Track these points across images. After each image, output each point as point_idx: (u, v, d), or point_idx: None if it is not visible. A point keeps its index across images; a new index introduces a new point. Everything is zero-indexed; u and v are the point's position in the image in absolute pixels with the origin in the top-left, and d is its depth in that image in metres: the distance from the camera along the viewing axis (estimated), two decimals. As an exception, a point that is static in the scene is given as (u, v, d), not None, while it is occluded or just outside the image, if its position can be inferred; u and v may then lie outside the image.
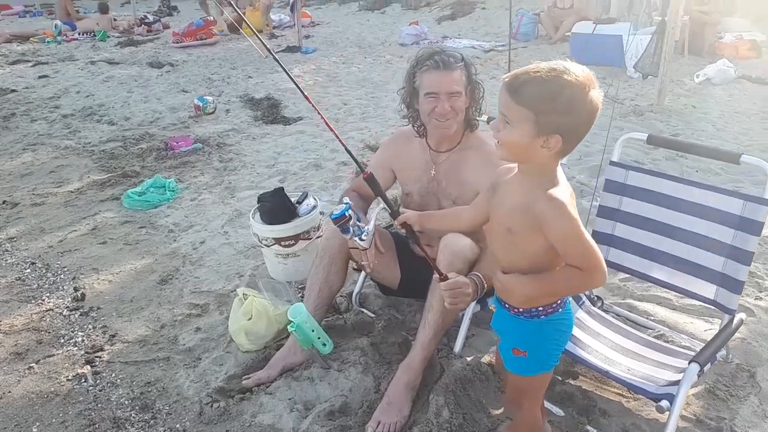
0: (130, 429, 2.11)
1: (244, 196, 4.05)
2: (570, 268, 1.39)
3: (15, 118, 6.22)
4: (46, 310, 2.86)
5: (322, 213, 2.96)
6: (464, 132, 2.28)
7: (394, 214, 1.76)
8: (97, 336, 2.66)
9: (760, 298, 2.62)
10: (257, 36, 2.27)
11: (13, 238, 3.64)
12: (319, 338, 2.22)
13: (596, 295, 2.41)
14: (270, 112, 6.04)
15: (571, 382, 2.19)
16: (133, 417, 2.18)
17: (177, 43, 9.90)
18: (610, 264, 2.33)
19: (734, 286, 2.00)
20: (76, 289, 3.02)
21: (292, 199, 2.93)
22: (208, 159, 4.81)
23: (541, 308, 1.51)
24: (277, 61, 2.16)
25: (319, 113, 2.05)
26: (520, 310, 1.52)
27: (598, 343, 2.14)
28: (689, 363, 1.82)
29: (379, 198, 1.95)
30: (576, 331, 2.10)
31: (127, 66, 8.41)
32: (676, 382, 1.86)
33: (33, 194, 4.28)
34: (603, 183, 2.34)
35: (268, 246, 2.86)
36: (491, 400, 2.12)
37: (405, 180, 2.40)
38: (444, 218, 1.82)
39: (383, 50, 9.07)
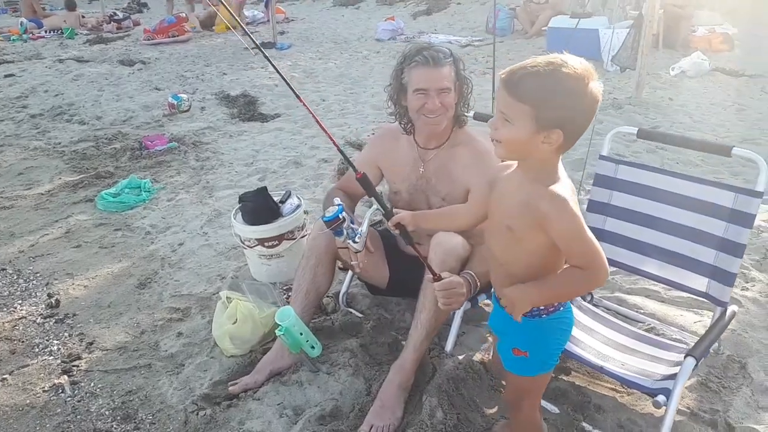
0: (112, 441, 2.03)
1: (223, 196, 3.96)
2: (572, 269, 1.36)
3: (-20, 119, 6.01)
4: (19, 318, 2.75)
5: (306, 212, 2.90)
6: (453, 128, 2.23)
7: (388, 215, 1.71)
8: (74, 344, 2.56)
9: (747, 288, 2.63)
10: (245, 31, 2.18)
11: (-18, 243, 3.50)
12: (307, 341, 2.16)
13: (586, 290, 2.39)
14: (246, 109, 5.93)
15: (564, 378, 2.16)
16: (115, 428, 2.10)
17: (148, 40, 9.68)
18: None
19: (726, 278, 1.99)
20: (50, 296, 2.91)
21: (275, 199, 2.85)
22: (184, 158, 4.69)
23: (542, 307, 1.47)
24: (266, 57, 2.08)
25: (312, 114, 1.98)
26: (521, 309, 1.48)
27: (591, 338, 2.11)
28: (685, 357, 1.81)
29: (372, 198, 1.89)
30: (569, 328, 2.07)
31: (97, 64, 8.19)
32: (671, 376, 1.85)
33: (1, 197, 4.13)
34: (587, 176, 2.31)
35: (251, 247, 2.78)
36: (485, 399, 2.09)
37: (393, 178, 2.35)
38: (440, 218, 1.77)
39: (359, 46, 8.99)
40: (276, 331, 2.07)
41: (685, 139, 2.34)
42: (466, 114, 2.23)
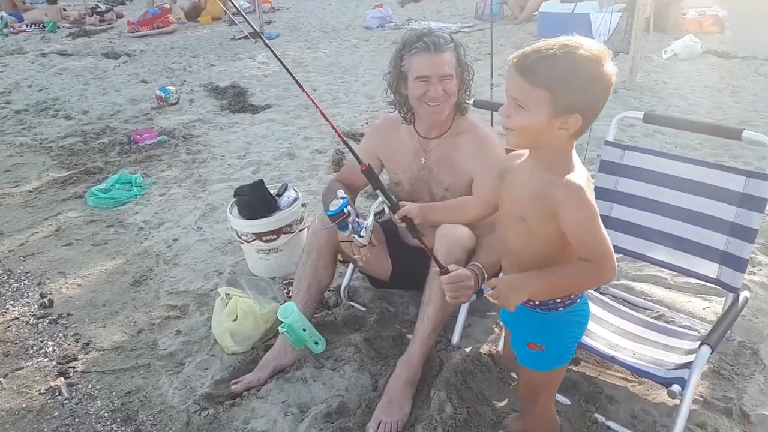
0: (113, 444, 1.98)
1: (216, 189, 3.88)
2: (579, 262, 1.30)
3: (-38, 116, 5.86)
4: (11, 320, 2.67)
5: (303, 205, 2.83)
6: (455, 116, 2.17)
7: (394, 207, 1.65)
8: (69, 345, 2.49)
9: (754, 272, 2.60)
10: (247, 20, 2.10)
11: (-30, 243, 3.41)
12: (311, 337, 2.11)
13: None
14: (236, 100, 5.83)
15: (574, 368, 2.13)
16: (115, 430, 2.05)
17: (133, 32, 9.50)
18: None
19: (738, 264, 1.96)
20: (42, 296, 2.83)
21: (272, 192, 2.79)
22: (175, 152, 4.60)
23: (558, 300, 1.42)
24: (268, 46, 2.01)
25: (317, 106, 1.91)
26: (537, 302, 1.44)
27: (601, 328, 2.07)
28: (700, 345, 1.77)
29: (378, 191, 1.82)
30: (578, 317, 2.03)
31: (81, 57, 8.02)
32: (686, 365, 1.81)
33: (-12, 195, 4.03)
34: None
35: (249, 242, 2.72)
36: (494, 392, 2.05)
37: (394, 169, 2.29)
38: (449, 210, 1.70)
39: (348, 34, 8.88)
40: (279, 328, 2.02)
41: (694, 123, 2.30)
42: (467, 101, 2.17)
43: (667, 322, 2.24)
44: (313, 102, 1.90)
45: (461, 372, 2.08)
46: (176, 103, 5.81)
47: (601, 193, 2.24)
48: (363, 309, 2.50)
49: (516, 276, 1.37)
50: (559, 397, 1.98)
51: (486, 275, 1.96)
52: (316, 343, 2.14)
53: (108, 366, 2.35)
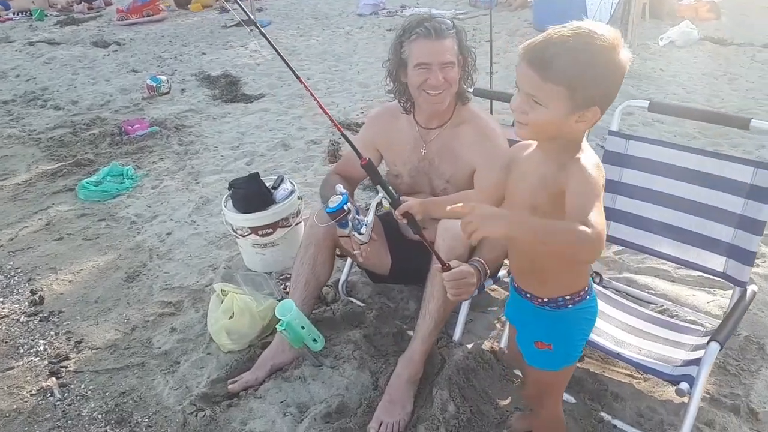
0: (107, 447, 1.93)
1: (210, 181, 3.81)
2: (573, 222, 1.15)
3: (-51, 106, 5.74)
4: (1, 318, 2.61)
5: (300, 198, 2.77)
6: (456, 106, 2.11)
7: (395, 203, 1.59)
8: (61, 343, 2.43)
9: (758, 265, 2.57)
10: (241, 7, 2.03)
11: (-43, 238, 3.33)
12: (309, 335, 2.06)
13: (595, 271, 2.31)
14: (229, 89, 5.73)
15: (579, 365, 2.09)
16: (109, 432, 1.99)
17: (122, 20, 9.34)
18: (611, 239, 2.23)
19: (745, 257, 1.92)
20: (32, 292, 2.77)
21: (267, 184, 2.72)
22: (167, 143, 4.51)
23: (568, 296, 1.37)
24: (264, 35, 1.93)
25: (315, 99, 1.84)
26: (545, 300, 1.39)
27: (605, 323, 2.03)
28: (709, 342, 1.73)
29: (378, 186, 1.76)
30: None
31: (69, 46, 7.88)
32: (693, 362, 1.78)
33: (-24, 189, 3.94)
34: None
35: (244, 236, 2.66)
36: (497, 390, 2.01)
37: (393, 160, 2.23)
38: (451, 204, 1.64)
39: (341, 21, 8.76)
40: (277, 326, 1.97)
41: (702, 112, 2.24)
42: (469, 90, 2.10)
43: (672, 317, 2.20)
44: (312, 95, 1.83)
45: (463, 369, 2.04)
46: (167, 93, 5.71)
47: (605, 185, 2.16)
48: (362, 305, 2.45)
49: (500, 209, 1.25)
50: (564, 395, 1.93)
51: (488, 271, 1.91)
52: (315, 340, 2.09)
53: (101, 365, 2.29)
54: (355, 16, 9.00)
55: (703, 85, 5.14)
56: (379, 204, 2.49)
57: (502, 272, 2.22)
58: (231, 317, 2.24)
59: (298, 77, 1.83)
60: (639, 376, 2.03)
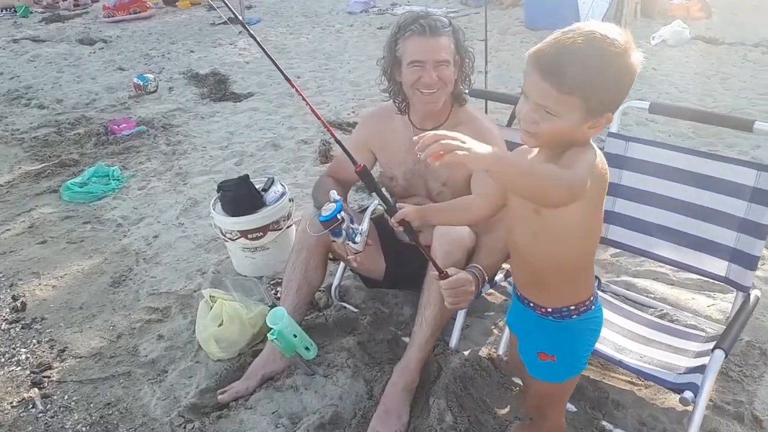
0: (92, 462, 1.85)
1: (198, 182, 3.73)
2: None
3: (-71, 105, 5.61)
4: (-19, 325, 2.52)
5: (291, 200, 2.70)
6: (452, 107, 2.05)
7: (390, 210, 1.53)
8: (44, 352, 2.35)
9: (758, 268, 2.52)
10: (227, 6, 1.96)
11: (-63, 242, 3.23)
12: (302, 343, 1.99)
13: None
14: (217, 88, 5.64)
15: (578, 372, 2.04)
16: (94, 446, 1.92)
17: (109, 17, 9.20)
18: (610, 242, 2.19)
19: (748, 261, 1.88)
20: (14, 298, 2.68)
21: (257, 186, 2.65)
22: (154, 142, 4.42)
23: (572, 307, 1.32)
24: (251, 35, 1.86)
25: (308, 104, 1.77)
26: (549, 310, 1.34)
27: (606, 329, 1.97)
28: (713, 350, 1.68)
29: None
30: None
31: (54, 44, 7.75)
32: (696, 369, 1.73)
33: (-44, 190, 3.83)
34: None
35: (233, 240, 2.58)
36: (495, 399, 1.96)
37: (387, 163, 2.17)
38: (450, 211, 1.58)
39: (331, 19, 8.67)
40: (268, 335, 1.90)
41: (703, 113, 2.20)
42: (466, 92, 2.05)
43: (672, 322, 2.16)
44: (303, 98, 1.76)
45: (461, 377, 1.98)
46: (155, 92, 5.62)
47: (604, 188, 2.14)
48: (355, 310, 2.39)
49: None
50: (564, 404, 1.89)
51: (487, 277, 1.86)
52: (308, 348, 2.02)
53: (85, 375, 2.21)
54: (345, 14, 8.93)
55: (696, 85, 5.12)
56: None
57: (499, 276, 2.17)
58: (220, 325, 2.17)
59: (287, 79, 1.76)
60: (640, 382, 1.99)
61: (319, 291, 2.40)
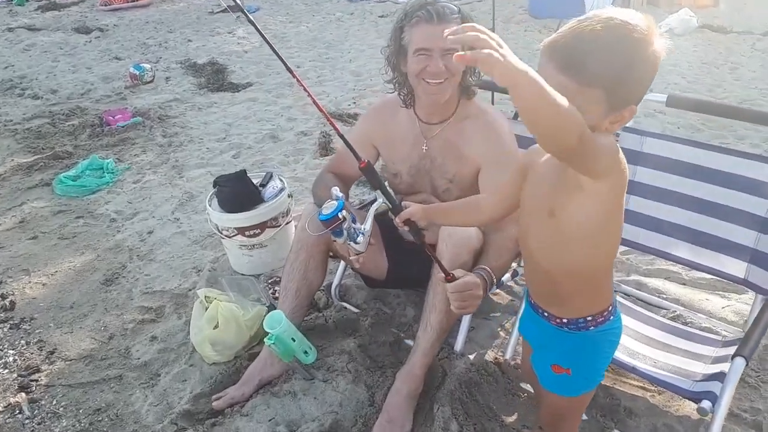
0: (80, 472, 1.77)
1: (195, 176, 3.63)
2: None
3: None
4: (-32, 325, 2.44)
5: (290, 196, 2.60)
6: (459, 100, 1.94)
7: (396, 210, 1.43)
8: (32, 353, 2.26)
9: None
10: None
11: (-75, 237, 3.14)
12: (300, 347, 1.90)
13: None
14: (215, 78, 5.53)
15: (589, 377, 1.95)
16: (83, 455, 1.83)
17: (105, 5, 9.07)
18: (623, 241, 2.08)
19: (769, 263, 1.79)
20: (3, 296, 2.59)
21: (255, 181, 2.55)
22: (150, 134, 4.32)
23: (590, 317, 1.23)
24: (254, 25, 1.75)
25: (311, 96, 1.66)
26: (565, 321, 1.24)
27: (618, 333, 1.89)
28: (733, 357, 1.59)
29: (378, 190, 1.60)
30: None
31: (50, 32, 7.62)
32: (713, 377, 1.65)
33: (-54, 183, 3.73)
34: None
35: (230, 237, 2.49)
36: (502, 405, 1.87)
37: (392, 158, 2.07)
38: (458, 210, 1.48)
39: (332, 7, 8.53)
40: (265, 340, 1.81)
41: (728, 108, 2.11)
42: (474, 85, 1.94)
43: (686, 324, 2.07)
44: (307, 91, 1.65)
45: (466, 383, 1.89)
46: (151, 82, 5.51)
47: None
48: (356, 311, 2.29)
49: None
50: (575, 411, 1.80)
51: (495, 280, 1.76)
52: (306, 353, 1.93)
53: (75, 378, 2.13)
54: (346, 2, 8.79)
55: (704, 75, 5.01)
56: (374, 200, 2.35)
57: (506, 275, 2.08)
58: (215, 327, 2.08)
59: (289, 69, 1.66)
60: (653, 388, 1.90)
61: (319, 290, 2.31)
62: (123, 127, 4.39)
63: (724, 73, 5.02)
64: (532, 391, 1.84)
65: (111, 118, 4.46)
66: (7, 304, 2.53)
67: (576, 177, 1.06)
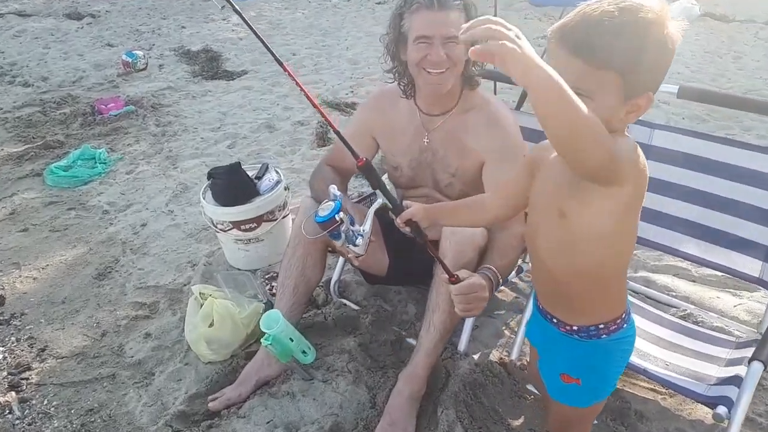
0: (71, 477, 1.71)
1: (189, 166, 3.55)
2: None
3: None
4: (-44, 321, 2.36)
5: (286, 188, 2.52)
6: (462, 90, 1.87)
7: (396, 210, 1.36)
8: (23, 351, 2.19)
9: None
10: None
11: None
12: (298, 347, 1.84)
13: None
14: (209, 66, 5.43)
15: (596, 378, 1.89)
16: (74, 458, 1.77)
17: (97, -10, 8.91)
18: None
19: (785, 262, 1.73)
20: (-8, 291, 2.52)
21: (250, 174, 2.48)
22: (143, 123, 4.22)
23: (602, 325, 1.16)
24: (238, 12, 1.67)
25: (305, 92, 1.58)
26: (575, 328, 1.18)
27: (627, 332, 1.84)
28: (750, 362, 1.54)
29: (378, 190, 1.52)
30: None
31: (41, 18, 7.47)
32: (728, 380, 1.60)
33: (-66, 173, 3.64)
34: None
35: (225, 231, 2.42)
36: (508, 408, 1.81)
37: (392, 151, 1.99)
38: (462, 210, 1.40)
39: (328, -6, 8.41)
40: (262, 340, 1.74)
41: (744, 100, 2.02)
42: (477, 75, 1.86)
43: (697, 323, 2.01)
44: (300, 87, 1.57)
45: (470, 384, 1.83)
46: (144, 69, 5.40)
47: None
48: (356, 308, 2.23)
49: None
50: (583, 414, 1.75)
51: (501, 279, 1.70)
52: (305, 352, 1.87)
53: (67, 377, 2.06)
54: (343, -11, 8.65)
55: (708, 64, 4.94)
56: (373, 194, 2.27)
57: (511, 274, 2.01)
58: (211, 325, 2.01)
59: (280, 62, 1.56)
60: (664, 391, 1.85)
61: (318, 287, 2.24)
62: (115, 116, 4.29)
63: (728, 63, 4.95)
64: (539, 394, 1.78)
65: (103, 106, 4.36)
66: (-3, 299, 2.46)
67: (591, 186, 0.99)
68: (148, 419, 1.86)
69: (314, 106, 1.47)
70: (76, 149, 3.72)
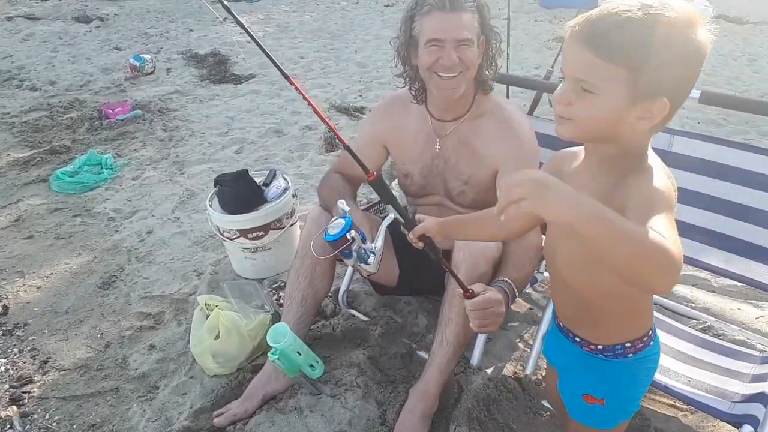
0: (73, 496, 1.66)
1: (196, 172, 3.50)
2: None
3: None
4: (-41, 331, 2.33)
5: (294, 195, 2.47)
6: (475, 95, 1.81)
7: (409, 225, 1.31)
8: (25, 363, 2.15)
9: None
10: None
11: None
12: (306, 361, 1.78)
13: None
14: (217, 69, 5.40)
15: (614, 394, 1.83)
16: (76, 475, 1.73)
17: (106, -6, 8.92)
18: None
19: (813, 274, 1.66)
20: (-4, 301, 2.48)
21: (258, 180, 2.43)
22: (150, 128, 4.19)
23: (628, 344, 1.10)
24: (239, 22, 1.61)
25: (313, 107, 1.52)
26: (599, 347, 1.12)
27: (646, 346, 1.77)
28: (778, 380, 1.47)
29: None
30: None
31: (49, 22, 7.48)
32: (753, 397, 1.53)
33: (-61, 179, 3.62)
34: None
35: (232, 239, 2.37)
36: (523, 425, 1.75)
37: (402, 158, 1.93)
38: (477, 224, 1.33)
39: (336, -4, 8.38)
40: (269, 355, 1.68)
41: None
42: (491, 79, 1.80)
43: (718, 336, 1.94)
44: (303, 95, 1.51)
45: (484, 400, 1.77)
46: (152, 73, 5.38)
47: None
48: (365, 319, 2.17)
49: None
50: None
51: (517, 293, 1.64)
52: (312, 366, 1.81)
53: (69, 390, 2.01)
54: (351, -9, 8.61)
55: (722, 67, 4.85)
56: (379, 202, 2.21)
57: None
58: (217, 337, 1.96)
59: (284, 73, 1.50)
60: (685, 408, 1.78)
61: (326, 297, 2.19)
62: (122, 120, 4.27)
63: (742, 65, 4.87)
64: (555, 411, 1.72)
65: (110, 111, 4.34)
66: (1, 308, 2.42)
67: (613, 202, 0.92)
68: (152, 434, 1.82)
69: (323, 120, 1.43)
70: (82, 154, 3.69)
